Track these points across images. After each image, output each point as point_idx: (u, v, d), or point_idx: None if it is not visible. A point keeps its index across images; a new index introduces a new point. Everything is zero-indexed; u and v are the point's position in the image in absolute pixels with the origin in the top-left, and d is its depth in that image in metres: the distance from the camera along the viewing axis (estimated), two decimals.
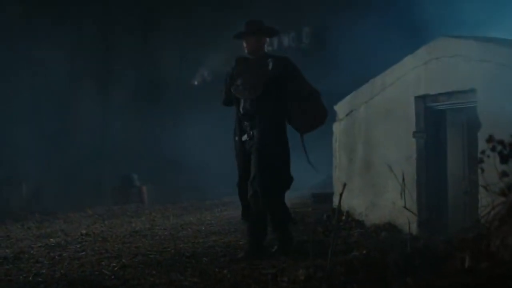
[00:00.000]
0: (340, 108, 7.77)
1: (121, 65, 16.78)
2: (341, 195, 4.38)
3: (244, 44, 6.28)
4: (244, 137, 6.19)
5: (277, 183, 6.04)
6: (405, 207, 5.37)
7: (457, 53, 6.34)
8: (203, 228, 8.18)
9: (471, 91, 6.26)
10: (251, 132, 6.13)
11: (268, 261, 5.77)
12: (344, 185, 4.45)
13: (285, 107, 6.13)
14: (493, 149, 3.89)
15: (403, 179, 5.59)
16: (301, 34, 15.40)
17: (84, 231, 8.52)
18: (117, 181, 15.25)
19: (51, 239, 8.05)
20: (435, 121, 6.78)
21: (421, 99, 6.78)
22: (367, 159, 7.37)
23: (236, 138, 6.24)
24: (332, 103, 7.82)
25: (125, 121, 16.71)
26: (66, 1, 16.34)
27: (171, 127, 16.75)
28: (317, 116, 6.16)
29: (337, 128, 7.78)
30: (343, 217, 7.47)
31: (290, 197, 10.68)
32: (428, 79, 6.66)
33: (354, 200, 7.48)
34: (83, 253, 6.89)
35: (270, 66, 6.10)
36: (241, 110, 6.21)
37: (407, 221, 6.75)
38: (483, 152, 3.92)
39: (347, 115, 7.64)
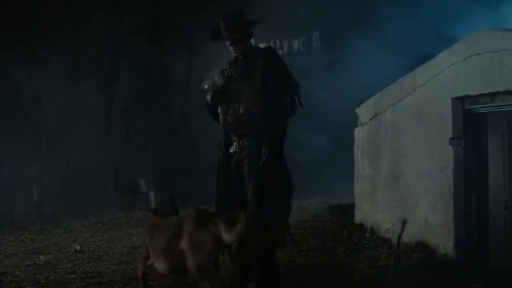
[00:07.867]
0: (363, 111, 7.28)
1: (126, 67, 16.40)
2: (399, 236, 3.58)
3: (233, 47, 5.17)
4: (232, 148, 5.19)
5: (278, 210, 5.12)
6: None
7: (503, 48, 5.90)
8: None
9: None
10: (240, 142, 5.15)
11: None
12: (404, 222, 3.63)
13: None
14: None
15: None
16: (311, 38, 15.30)
17: (78, 247, 8.05)
18: (123, 187, 14.82)
19: (42, 256, 7.62)
20: (475, 126, 6.36)
21: (459, 100, 6.36)
22: (394, 169, 6.90)
23: (221, 153, 5.23)
24: (353, 106, 7.42)
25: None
26: None
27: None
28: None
29: (360, 133, 7.29)
30: (367, 234, 6.90)
31: (304, 207, 10.04)
32: (467, 77, 6.24)
33: (379, 215, 7.16)
34: (73, 275, 6.38)
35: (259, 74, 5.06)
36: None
37: (442, 240, 6.17)
38: None
39: (371, 119, 7.17)
